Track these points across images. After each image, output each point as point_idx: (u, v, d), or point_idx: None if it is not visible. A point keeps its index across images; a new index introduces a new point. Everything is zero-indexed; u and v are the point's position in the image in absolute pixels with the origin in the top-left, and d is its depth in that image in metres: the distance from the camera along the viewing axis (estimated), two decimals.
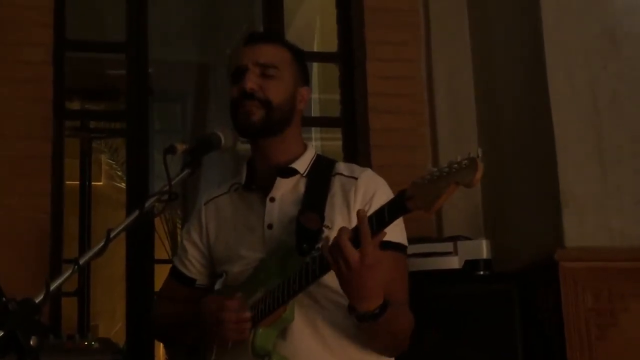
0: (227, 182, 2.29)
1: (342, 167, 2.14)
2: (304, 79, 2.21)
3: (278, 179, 2.11)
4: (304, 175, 2.12)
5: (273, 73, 2.10)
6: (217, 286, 2.17)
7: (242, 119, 2.07)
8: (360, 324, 1.83)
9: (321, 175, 2.11)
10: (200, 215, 2.27)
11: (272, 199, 2.10)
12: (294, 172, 2.12)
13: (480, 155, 1.53)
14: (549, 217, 3.17)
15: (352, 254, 1.71)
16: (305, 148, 2.18)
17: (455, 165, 1.55)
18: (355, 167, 2.15)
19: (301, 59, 2.22)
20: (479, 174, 1.52)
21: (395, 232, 2.00)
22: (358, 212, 1.73)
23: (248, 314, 1.93)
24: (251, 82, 2.07)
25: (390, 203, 1.69)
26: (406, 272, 2.06)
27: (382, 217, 1.69)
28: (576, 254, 3.06)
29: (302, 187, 2.10)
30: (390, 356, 2.04)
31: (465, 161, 1.54)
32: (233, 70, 2.13)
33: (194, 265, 2.26)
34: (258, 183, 2.16)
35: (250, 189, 2.17)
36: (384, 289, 1.88)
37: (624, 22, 3.31)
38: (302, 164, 2.13)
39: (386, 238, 1.94)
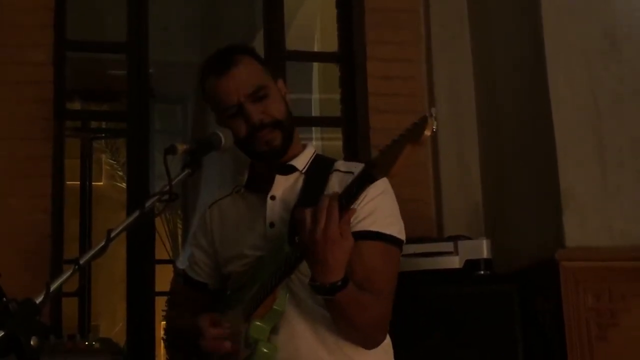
0: (230, 185, 2.31)
1: (340, 164, 2.16)
2: (272, 72, 2.20)
3: (277, 176, 2.12)
4: (303, 172, 2.13)
5: (263, 93, 2.09)
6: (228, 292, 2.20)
7: (265, 149, 2.08)
8: (317, 296, 1.85)
9: (320, 172, 2.12)
10: (205, 219, 2.28)
11: (273, 197, 2.11)
12: (293, 169, 2.13)
13: (433, 115, 1.53)
14: (550, 217, 3.17)
15: (315, 219, 1.73)
16: (303, 147, 2.20)
17: (410, 127, 1.56)
18: (354, 163, 2.15)
19: (259, 57, 2.21)
20: (428, 131, 1.52)
21: (385, 223, 2.01)
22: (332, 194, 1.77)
23: (228, 344, 1.94)
24: (255, 115, 2.06)
25: (359, 174, 1.70)
26: (393, 265, 2.04)
27: (351, 190, 1.71)
28: (577, 253, 3.07)
29: (300, 184, 2.12)
30: (362, 344, 2.01)
31: (418, 120, 1.55)
32: (223, 108, 2.11)
33: (203, 270, 2.27)
34: (259, 183, 2.17)
35: (251, 189, 2.19)
36: (364, 278, 1.91)
37: (624, 22, 3.31)
38: (301, 162, 2.14)
39: (375, 229, 1.98)
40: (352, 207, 1.74)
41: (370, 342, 2.01)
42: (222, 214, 2.25)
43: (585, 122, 3.21)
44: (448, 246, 3.27)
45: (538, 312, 3.14)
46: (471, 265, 3.22)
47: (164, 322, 2.40)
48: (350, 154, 4.08)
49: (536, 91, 3.31)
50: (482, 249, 3.24)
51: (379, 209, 2.00)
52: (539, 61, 3.27)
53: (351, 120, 4.14)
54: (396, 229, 2.04)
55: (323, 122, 5.02)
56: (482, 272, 3.22)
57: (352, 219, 1.85)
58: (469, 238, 3.34)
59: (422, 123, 1.54)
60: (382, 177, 1.65)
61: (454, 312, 3.09)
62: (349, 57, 4.20)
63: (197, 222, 2.33)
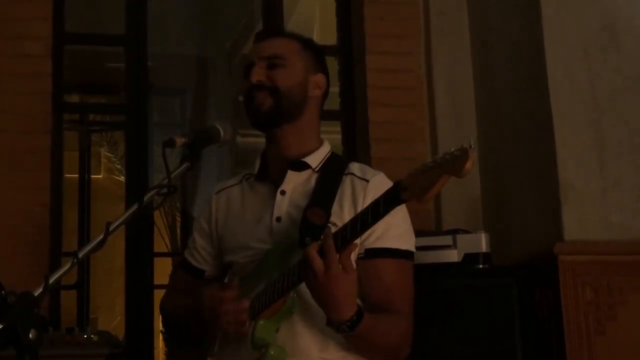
0: (240, 173, 2.29)
1: (355, 167, 2.12)
2: (318, 66, 2.18)
3: (289, 172, 2.10)
4: (316, 170, 2.11)
5: (279, 63, 2.10)
6: (226, 279, 2.19)
7: (253, 111, 2.08)
8: (338, 333, 1.85)
9: (333, 172, 2.10)
10: (210, 204, 2.26)
11: (283, 192, 2.09)
12: (306, 166, 2.11)
13: (472, 146, 1.53)
14: (548, 211, 3.17)
15: (318, 264, 1.74)
16: (321, 144, 2.17)
17: (448, 156, 1.56)
18: (368, 169, 2.13)
19: (312, 47, 2.20)
20: (469, 164, 1.52)
21: (401, 239, 2.02)
22: (326, 230, 1.79)
23: (246, 303, 1.93)
24: (257, 74, 2.08)
25: (386, 194, 1.70)
26: (410, 280, 2.04)
27: (377, 209, 1.70)
28: (575, 247, 3.07)
29: (313, 182, 2.09)
30: None
31: (457, 151, 1.55)
32: (243, 71, 2.14)
33: (202, 256, 2.25)
34: (270, 175, 2.15)
35: (262, 181, 2.17)
36: (382, 298, 1.93)
37: (623, 15, 3.31)
38: (315, 159, 2.12)
39: (392, 245, 1.98)
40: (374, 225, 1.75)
41: (396, 359, 2.02)
42: (229, 202, 2.22)
43: (584, 115, 3.21)
44: (447, 240, 3.27)
45: (537, 305, 3.14)
46: (470, 258, 3.22)
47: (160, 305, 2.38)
48: (349, 148, 4.09)
49: (535, 84, 3.31)
50: (481, 242, 3.23)
51: (394, 225, 1.99)
52: (538, 54, 3.27)
53: (350, 114, 4.14)
54: (411, 242, 2.05)
55: (322, 115, 5.02)
56: (480, 266, 3.22)
57: (368, 236, 1.93)
58: (468, 232, 3.34)
59: (461, 154, 1.53)
60: (412, 201, 1.64)
61: (453, 305, 3.09)
62: (348, 50, 4.20)
63: (203, 208, 2.31)
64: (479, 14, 4.00)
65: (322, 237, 1.77)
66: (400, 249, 2.01)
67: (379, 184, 2.04)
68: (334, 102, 4.32)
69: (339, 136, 4.20)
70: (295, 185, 2.10)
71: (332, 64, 4.35)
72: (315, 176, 2.10)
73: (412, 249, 2.05)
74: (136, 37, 4.07)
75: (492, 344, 3.05)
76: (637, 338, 3.01)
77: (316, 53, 2.20)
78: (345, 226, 1.76)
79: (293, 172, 2.10)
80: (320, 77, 2.17)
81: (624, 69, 3.25)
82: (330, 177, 2.09)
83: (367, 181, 2.05)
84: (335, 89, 4.27)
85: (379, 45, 4.04)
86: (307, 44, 2.19)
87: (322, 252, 1.74)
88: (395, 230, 2.00)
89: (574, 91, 3.21)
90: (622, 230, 3.11)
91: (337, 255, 1.73)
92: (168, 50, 6.55)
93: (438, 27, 4.08)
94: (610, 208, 3.13)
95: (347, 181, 2.08)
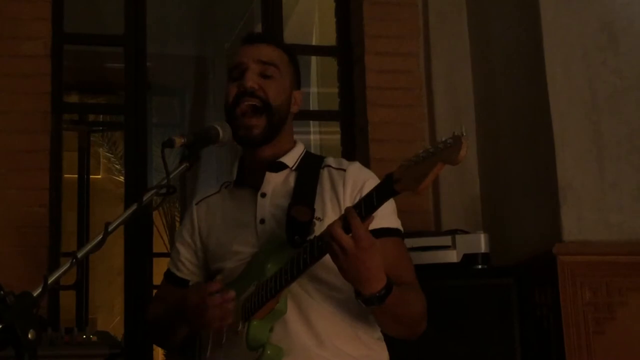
0: (218, 183, 2.32)
1: (330, 160, 2.17)
2: (298, 82, 2.23)
3: (267, 173, 2.13)
4: (293, 169, 2.14)
5: (272, 73, 2.11)
6: None
7: (243, 133, 2.08)
8: (369, 308, 1.86)
9: (310, 168, 2.14)
10: (192, 215, 2.28)
11: (263, 195, 2.12)
12: (283, 166, 2.14)
13: (464, 134, 1.54)
14: (548, 211, 3.18)
15: (346, 240, 1.74)
16: (294, 144, 2.20)
17: (440, 145, 1.58)
18: (343, 160, 2.18)
19: (296, 62, 2.24)
20: (463, 152, 1.54)
21: (391, 218, 2.06)
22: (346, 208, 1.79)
23: (232, 293, 1.94)
24: (252, 80, 2.08)
25: (378, 187, 1.73)
26: (408, 254, 2.11)
27: (371, 202, 1.73)
28: (574, 248, 3.07)
29: (291, 181, 2.12)
30: (409, 337, 2.06)
31: (450, 140, 1.56)
32: (231, 67, 2.14)
33: (186, 267, 2.27)
34: (249, 179, 2.17)
35: (241, 186, 2.19)
36: (391, 274, 1.93)
37: (622, 16, 3.31)
38: (291, 159, 2.15)
39: (383, 225, 2.01)
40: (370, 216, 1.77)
41: (416, 333, 2.06)
42: (210, 211, 2.25)
43: (583, 116, 3.21)
44: (446, 240, 3.27)
45: (536, 306, 3.14)
46: (469, 259, 3.22)
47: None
48: (348, 148, 4.08)
49: (534, 85, 3.31)
50: (480, 243, 3.24)
51: (384, 206, 2.01)
52: (537, 55, 3.27)
53: (349, 114, 4.14)
54: (399, 222, 2.10)
55: (321, 116, 5.01)
56: (479, 266, 3.22)
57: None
58: (467, 232, 3.34)
59: (455, 143, 1.55)
60: (406, 191, 1.66)
61: (452, 306, 3.09)
62: (347, 51, 4.20)
63: (184, 219, 2.33)
64: (478, 15, 4.00)
65: (343, 215, 1.77)
66: (394, 228, 2.06)
67: (357, 171, 2.10)
68: (333, 103, 4.32)
69: (339, 136, 4.20)
70: (275, 186, 2.13)
71: (332, 64, 4.35)
72: (293, 175, 2.14)
73: (400, 227, 2.10)
74: (135, 37, 4.07)
75: (491, 345, 3.05)
76: (636, 338, 3.02)
77: (297, 68, 2.24)
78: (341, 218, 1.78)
79: (271, 173, 2.13)
80: (298, 94, 2.22)
81: (623, 70, 3.26)
82: (308, 173, 2.12)
83: (344, 170, 2.10)
84: (334, 90, 4.28)
85: (378, 46, 4.04)
86: (292, 57, 2.23)
87: (346, 230, 1.75)
88: (385, 211, 2.02)
89: (573, 91, 3.22)
90: (621, 230, 3.11)
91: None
92: (167, 51, 6.55)
93: (437, 27, 4.08)
94: (609, 209, 3.13)
95: (324, 174, 2.11)
